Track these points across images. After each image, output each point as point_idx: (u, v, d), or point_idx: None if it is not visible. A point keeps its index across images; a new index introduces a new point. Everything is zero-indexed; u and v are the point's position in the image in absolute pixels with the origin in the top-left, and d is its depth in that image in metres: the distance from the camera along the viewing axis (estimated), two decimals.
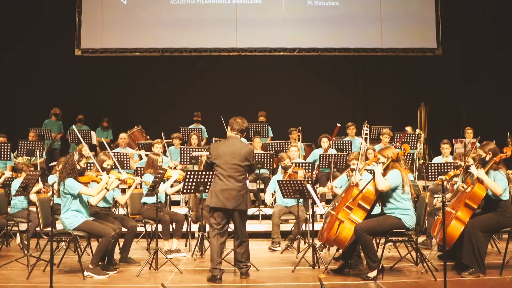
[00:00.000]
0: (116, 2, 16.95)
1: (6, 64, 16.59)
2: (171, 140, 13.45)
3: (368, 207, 7.39)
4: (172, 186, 9.81)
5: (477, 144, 8.71)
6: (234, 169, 7.40)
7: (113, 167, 8.68)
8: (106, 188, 7.93)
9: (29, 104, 16.37)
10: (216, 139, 13.56)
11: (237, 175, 7.41)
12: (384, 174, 7.36)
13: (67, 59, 16.76)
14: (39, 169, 11.09)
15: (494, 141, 7.80)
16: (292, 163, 10.63)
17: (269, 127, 14.87)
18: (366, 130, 11.44)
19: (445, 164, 10.95)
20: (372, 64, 17.34)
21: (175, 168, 10.08)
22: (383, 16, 16.91)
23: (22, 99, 16.58)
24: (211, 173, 7.83)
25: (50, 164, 12.81)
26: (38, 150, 12.46)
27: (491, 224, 7.38)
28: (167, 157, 11.17)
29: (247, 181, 7.95)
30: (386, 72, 17.21)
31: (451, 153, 11.89)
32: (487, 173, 7.34)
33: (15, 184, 9.69)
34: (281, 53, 17.05)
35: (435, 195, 10.41)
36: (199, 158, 10.95)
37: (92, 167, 9.32)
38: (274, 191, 10.37)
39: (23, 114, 16.34)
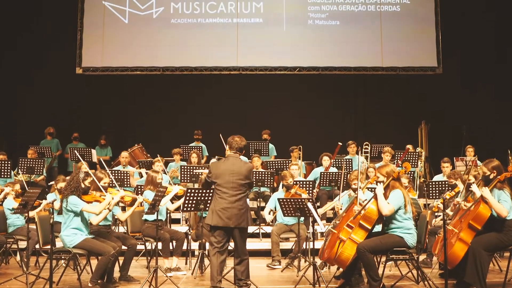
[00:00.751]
0: (118, 20, 17.03)
1: (6, 81, 16.59)
2: (172, 158, 13.47)
3: (370, 227, 7.34)
4: (173, 202, 9.79)
5: (478, 162, 8.68)
6: (234, 187, 7.39)
7: (111, 184, 8.66)
8: (108, 208, 7.92)
9: (29, 122, 16.40)
10: (217, 157, 13.53)
11: (237, 193, 7.40)
12: (384, 193, 7.31)
13: (68, 77, 16.78)
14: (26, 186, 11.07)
15: (495, 159, 7.72)
16: (294, 181, 10.61)
17: (272, 145, 14.85)
18: (366, 148, 11.46)
19: (446, 183, 10.91)
20: (373, 83, 17.36)
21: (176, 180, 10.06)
22: (384, 35, 16.96)
23: (23, 116, 16.62)
24: (211, 191, 7.82)
25: (49, 184, 12.78)
26: (38, 168, 12.44)
27: (495, 243, 7.26)
28: (166, 174, 11.15)
29: (248, 199, 7.93)
30: (387, 91, 17.22)
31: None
32: (490, 191, 7.22)
33: (8, 203, 9.66)
34: (282, 72, 17.07)
35: (436, 214, 10.37)
36: (200, 175, 10.93)
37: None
38: (275, 209, 10.34)
39: (23, 132, 16.35)
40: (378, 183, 7.44)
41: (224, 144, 8.81)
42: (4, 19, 16.56)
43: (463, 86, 16.90)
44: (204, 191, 8.19)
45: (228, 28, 17.10)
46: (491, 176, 7.38)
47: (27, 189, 9.67)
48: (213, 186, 7.57)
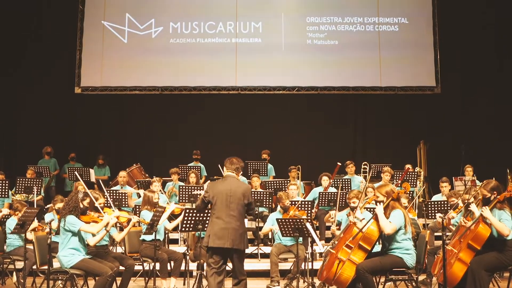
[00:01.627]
0: (117, 40, 17.08)
1: (4, 101, 16.59)
2: (170, 178, 13.45)
3: (369, 248, 7.29)
4: (170, 221, 9.75)
5: (477, 182, 8.66)
6: (231, 208, 7.33)
7: (106, 205, 8.63)
8: (105, 228, 7.88)
9: (28, 142, 16.40)
10: (216, 177, 13.52)
11: (234, 214, 7.34)
12: (384, 214, 7.27)
13: (66, 97, 16.81)
14: (35, 205, 11.03)
15: (494, 179, 7.69)
16: (292, 201, 10.59)
17: (271, 166, 14.82)
18: (365, 168, 11.44)
19: (445, 202, 10.87)
20: (372, 102, 17.37)
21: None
22: (382, 55, 17.00)
23: (21, 136, 16.61)
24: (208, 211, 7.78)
25: (46, 206, 12.74)
26: (36, 188, 12.40)
27: (494, 263, 7.21)
28: (164, 194, 11.13)
29: (246, 220, 7.89)
30: (385, 110, 17.21)
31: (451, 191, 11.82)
32: (491, 211, 7.18)
33: (10, 223, 9.61)
34: (281, 91, 17.09)
35: (436, 233, 10.34)
36: (199, 196, 10.89)
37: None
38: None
39: (21, 151, 16.33)
40: (378, 203, 7.40)
41: (222, 171, 8.78)
42: (4, 37, 16.58)
43: (461, 105, 16.94)
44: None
45: (227, 48, 17.15)
46: (492, 198, 7.34)
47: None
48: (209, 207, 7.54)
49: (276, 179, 13.55)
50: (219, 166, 12.21)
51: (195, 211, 8.26)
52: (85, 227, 7.69)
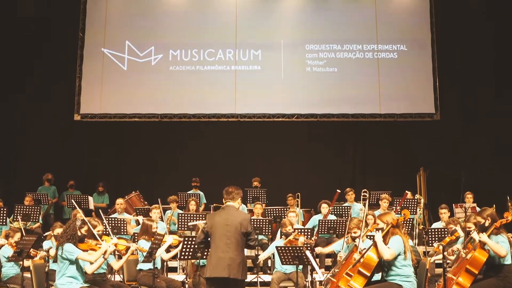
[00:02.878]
0: (116, 67, 17.13)
1: (3, 127, 16.59)
2: (169, 206, 13.39)
3: (368, 274, 7.24)
4: (168, 251, 9.68)
5: (477, 209, 8.66)
6: (229, 237, 7.25)
7: (104, 232, 8.58)
8: (103, 256, 7.83)
9: (26, 168, 16.34)
10: (215, 204, 13.47)
11: (232, 243, 7.27)
12: (384, 241, 7.24)
13: (66, 124, 16.81)
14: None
15: (494, 206, 7.71)
16: (295, 229, 10.54)
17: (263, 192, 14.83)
18: (365, 195, 11.39)
19: (445, 229, 10.82)
20: (371, 129, 17.37)
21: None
22: (381, 82, 17.05)
23: (20, 163, 16.57)
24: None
25: (45, 234, 12.68)
26: (34, 215, 12.34)
27: None
28: (164, 222, 11.08)
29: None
30: (385, 137, 17.20)
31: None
32: (488, 237, 7.23)
33: (5, 251, 9.52)
34: (280, 119, 17.10)
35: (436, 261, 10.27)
36: (197, 224, 10.84)
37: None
38: (272, 256, 10.23)
39: (20, 178, 16.29)
40: (377, 230, 7.37)
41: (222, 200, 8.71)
42: (4, 63, 16.63)
43: (461, 132, 16.93)
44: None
45: (226, 75, 17.21)
46: (487, 224, 7.42)
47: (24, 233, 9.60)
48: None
49: (275, 207, 13.47)
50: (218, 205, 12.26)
51: (194, 239, 8.20)
52: (83, 256, 7.63)
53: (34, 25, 16.92)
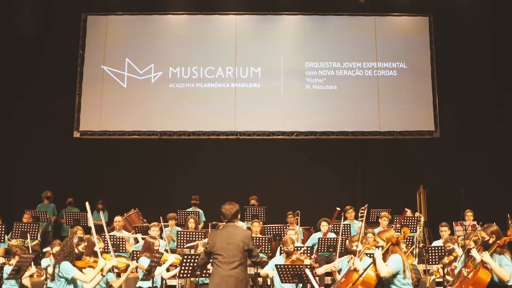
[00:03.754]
0: (116, 85, 17.16)
1: (2, 144, 16.57)
2: (167, 223, 13.34)
3: None
4: (168, 270, 9.62)
5: (478, 227, 8.60)
6: (231, 255, 7.22)
7: (105, 250, 8.54)
8: (101, 274, 7.77)
9: (25, 186, 16.30)
10: (214, 222, 13.42)
11: (233, 260, 7.22)
12: (384, 258, 7.19)
13: (65, 140, 16.82)
14: (30, 251, 10.90)
15: (494, 223, 7.64)
16: (296, 247, 10.48)
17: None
18: (362, 213, 11.35)
19: (445, 248, 10.77)
20: (370, 147, 17.36)
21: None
22: (381, 99, 17.08)
23: (19, 180, 16.53)
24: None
25: (43, 250, 12.62)
26: (32, 232, 12.29)
27: None
28: (164, 240, 11.02)
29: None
30: (385, 155, 17.19)
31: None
32: (491, 256, 7.13)
33: (8, 269, 9.46)
34: (280, 136, 17.10)
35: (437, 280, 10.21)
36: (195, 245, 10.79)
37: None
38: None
39: (18, 195, 16.24)
40: (377, 248, 7.32)
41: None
42: (3, 81, 16.64)
43: (461, 149, 16.92)
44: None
45: (226, 93, 17.24)
46: (490, 241, 7.31)
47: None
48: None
49: (275, 224, 13.42)
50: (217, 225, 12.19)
51: (193, 257, 8.15)
52: (79, 275, 7.56)
53: (34, 42, 16.95)
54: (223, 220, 7.53)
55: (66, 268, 7.53)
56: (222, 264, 7.21)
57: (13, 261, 9.20)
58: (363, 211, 13.63)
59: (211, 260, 7.38)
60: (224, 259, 7.21)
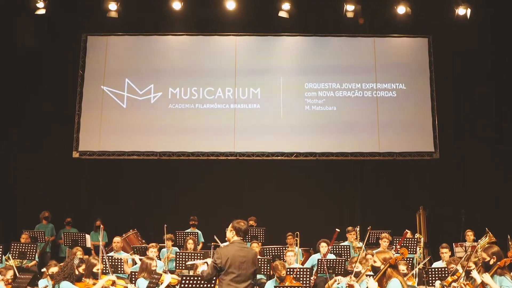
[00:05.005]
0: (116, 105, 17.18)
1: (1, 164, 16.54)
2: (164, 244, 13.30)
3: None
4: None
5: (478, 247, 8.56)
6: (244, 273, 7.10)
7: (104, 271, 8.48)
8: None
9: (23, 206, 16.27)
10: (214, 243, 13.34)
11: (247, 278, 7.12)
12: (381, 282, 7.11)
13: (64, 161, 16.80)
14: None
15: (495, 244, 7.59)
16: (290, 269, 10.41)
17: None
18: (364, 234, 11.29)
19: (445, 269, 10.70)
20: (370, 168, 17.34)
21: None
22: (380, 120, 17.09)
23: (17, 200, 16.48)
24: (213, 280, 7.53)
25: (42, 270, 12.55)
26: (30, 253, 12.23)
27: None
28: (161, 260, 10.97)
29: None
30: (384, 176, 17.17)
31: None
32: (491, 277, 7.09)
33: None
34: (279, 157, 17.08)
35: None
36: (195, 265, 10.73)
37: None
38: None
39: (17, 215, 16.18)
40: (369, 277, 7.21)
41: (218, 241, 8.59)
42: (3, 100, 16.66)
43: (461, 170, 16.90)
44: (199, 279, 7.95)
45: (225, 114, 17.25)
46: (491, 262, 7.27)
47: (17, 275, 9.47)
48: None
49: (274, 246, 13.36)
50: (215, 237, 12.14)
51: (193, 279, 8.08)
52: None
53: (34, 62, 16.99)
54: (236, 235, 7.35)
55: (66, 287, 7.48)
56: (235, 283, 7.06)
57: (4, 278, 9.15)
58: (368, 230, 13.61)
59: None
60: (238, 278, 7.07)
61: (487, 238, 13.32)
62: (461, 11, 16.29)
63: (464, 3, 16.23)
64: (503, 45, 16.90)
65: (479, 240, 13.50)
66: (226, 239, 7.48)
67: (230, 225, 7.41)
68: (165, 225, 12.12)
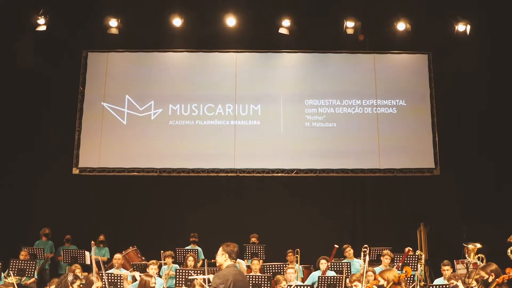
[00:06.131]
0: (116, 122, 17.18)
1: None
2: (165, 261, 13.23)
3: None
4: None
5: (479, 263, 8.55)
6: None
7: None
8: None
9: (22, 222, 16.18)
10: (213, 260, 13.27)
11: None
12: None
13: (64, 177, 16.77)
14: None
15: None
16: (290, 285, 10.36)
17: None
18: (365, 251, 11.25)
19: (447, 286, 10.65)
20: (371, 185, 17.30)
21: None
22: (381, 137, 17.08)
23: (16, 216, 16.40)
24: None
25: None
26: (29, 270, 12.16)
27: None
28: (160, 277, 10.91)
29: None
30: (385, 193, 17.13)
31: None
32: None
33: None
34: (279, 174, 17.05)
35: None
36: (195, 280, 10.66)
37: None
38: None
39: (16, 231, 16.11)
40: None
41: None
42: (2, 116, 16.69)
43: (461, 186, 16.85)
44: None
45: (225, 130, 17.25)
46: (490, 280, 7.28)
47: None
48: None
49: (274, 263, 13.30)
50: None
51: None
52: None
53: (34, 78, 17.01)
54: (229, 259, 7.17)
55: None
56: None
57: None
58: (365, 250, 13.55)
59: None
60: None
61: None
62: (461, 27, 16.37)
63: (464, 19, 16.30)
64: (503, 60, 16.90)
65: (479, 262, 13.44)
66: (217, 265, 7.25)
67: (220, 249, 7.09)
68: (161, 252, 12.04)
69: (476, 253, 13.43)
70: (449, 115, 17.25)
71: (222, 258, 7.05)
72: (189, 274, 11.68)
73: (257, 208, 16.80)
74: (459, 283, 9.45)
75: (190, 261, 12.87)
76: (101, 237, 15.30)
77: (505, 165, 16.65)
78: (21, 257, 12.99)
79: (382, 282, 7.29)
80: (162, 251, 13.01)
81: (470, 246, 13.42)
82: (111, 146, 17.11)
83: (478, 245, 13.30)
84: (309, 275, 13.05)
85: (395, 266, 12.40)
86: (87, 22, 17.07)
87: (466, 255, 13.64)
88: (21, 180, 16.65)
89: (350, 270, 12.61)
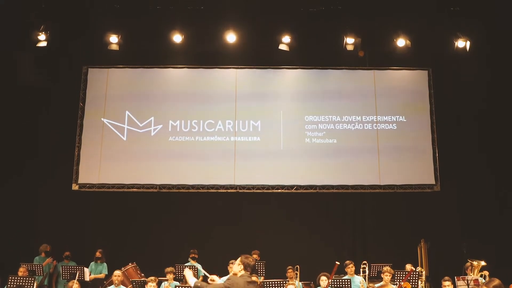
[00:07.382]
0: (116, 138, 17.17)
1: None
2: (165, 277, 13.16)
3: None
4: None
5: (480, 280, 8.49)
6: None
7: None
8: None
9: (21, 238, 16.13)
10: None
11: None
12: None
13: (63, 193, 16.73)
14: None
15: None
16: None
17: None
18: (364, 267, 11.20)
19: None
20: (371, 201, 17.26)
21: None
22: (381, 153, 17.08)
23: (15, 233, 16.35)
24: None
25: None
26: (28, 286, 12.09)
27: None
28: None
29: None
30: (385, 209, 17.08)
31: None
32: None
33: None
34: (279, 190, 17.02)
35: None
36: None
37: None
38: None
39: (14, 247, 16.05)
40: None
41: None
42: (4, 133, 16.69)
43: (462, 203, 16.81)
44: None
45: (225, 146, 17.24)
46: None
47: None
48: None
49: (274, 280, 13.24)
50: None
51: None
52: None
53: (34, 94, 17.04)
54: (244, 270, 7.29)
55: None
56: None
57: None
58: (364, 266, 13.48)
59: None
60: None
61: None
62: (461, 43, 16.40)
63: (464, 35, 16.34)
64: (502, 75, 16.93)
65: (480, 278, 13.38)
66: (232, 272, 7.40)
67: (239, 259, 7.42)
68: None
69: (480, 271, 13.36)
70: (449, 131, 17.23)
71: (238, 268, 7.38)
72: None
73: (257, 224, 16.75)
74: None
75: None
76: (98, 253, 15.21)
77: (507, 181, 16.62)
78: (20, 274, 12.93)
79: None
80: (165, 268, 13.00)
81: (475, 263, 13.36)
82: (111, 162, 17.09)
83: (483, 263, 13.21)
84: None
85: (397, 284, 12.34)
86: (88, 38, 17.11)
87: (470, 272, 13.57)
88: (20, 195, 16.60)
89: (350, 287, 12.56)
